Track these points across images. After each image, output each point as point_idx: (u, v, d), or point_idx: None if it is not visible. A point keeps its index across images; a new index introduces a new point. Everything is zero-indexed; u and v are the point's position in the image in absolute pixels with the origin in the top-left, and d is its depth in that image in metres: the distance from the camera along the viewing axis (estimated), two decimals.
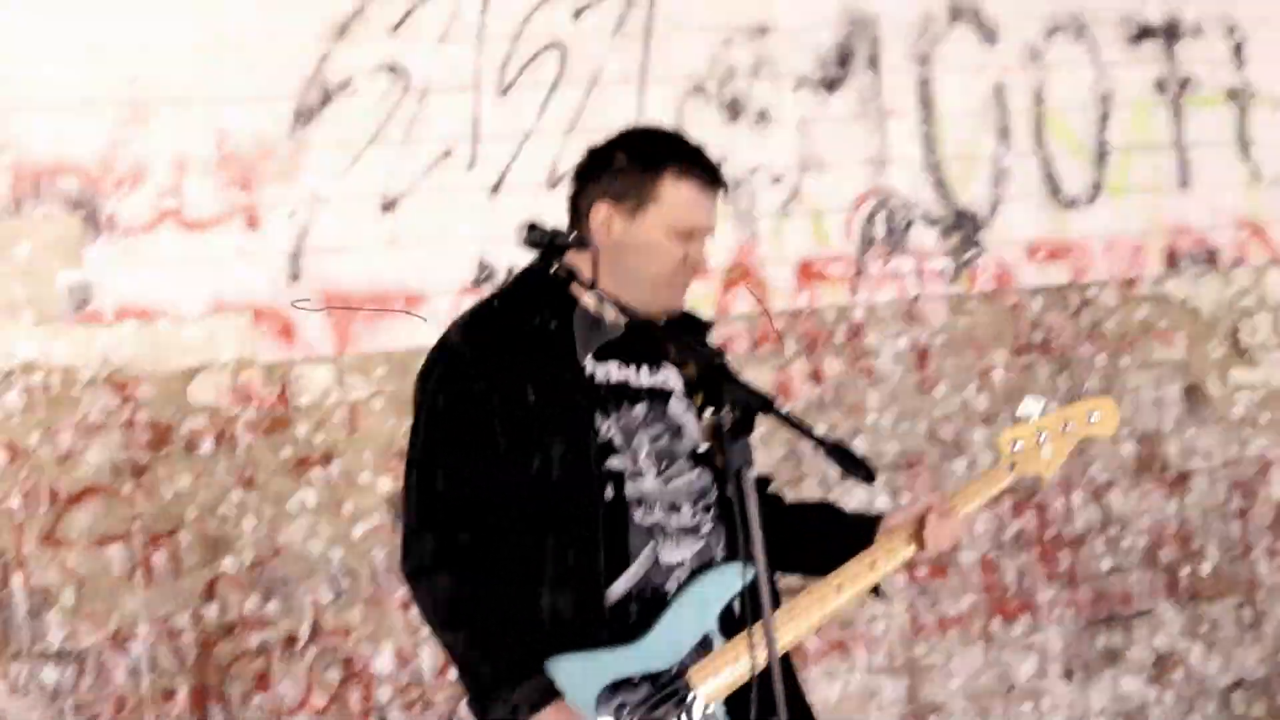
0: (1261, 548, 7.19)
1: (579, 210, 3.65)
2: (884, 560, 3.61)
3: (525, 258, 5.95)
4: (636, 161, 3.60)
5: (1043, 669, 6.72)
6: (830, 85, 6.50)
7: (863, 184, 6.52)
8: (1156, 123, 7.06)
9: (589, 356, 3.58)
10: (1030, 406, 3.69)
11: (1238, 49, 7.23)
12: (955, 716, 6.56)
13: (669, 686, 3.45)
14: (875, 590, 3.67)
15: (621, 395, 3.58)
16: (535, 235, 3.49)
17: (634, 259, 3.56)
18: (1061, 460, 3.76)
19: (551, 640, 3.46)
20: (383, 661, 5.70)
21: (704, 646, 3.50)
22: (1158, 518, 6.97)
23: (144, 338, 5.49)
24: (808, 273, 6.40)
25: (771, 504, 3.78)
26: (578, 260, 3.59)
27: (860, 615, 6.36)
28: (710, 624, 3.51)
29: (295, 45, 5.72)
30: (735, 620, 3.50)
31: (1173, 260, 7.06)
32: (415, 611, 5.57)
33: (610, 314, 3.59)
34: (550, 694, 3.40)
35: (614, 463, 3.53)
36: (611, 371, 3.60)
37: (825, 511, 3.88)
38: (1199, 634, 7.03)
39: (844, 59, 6.52)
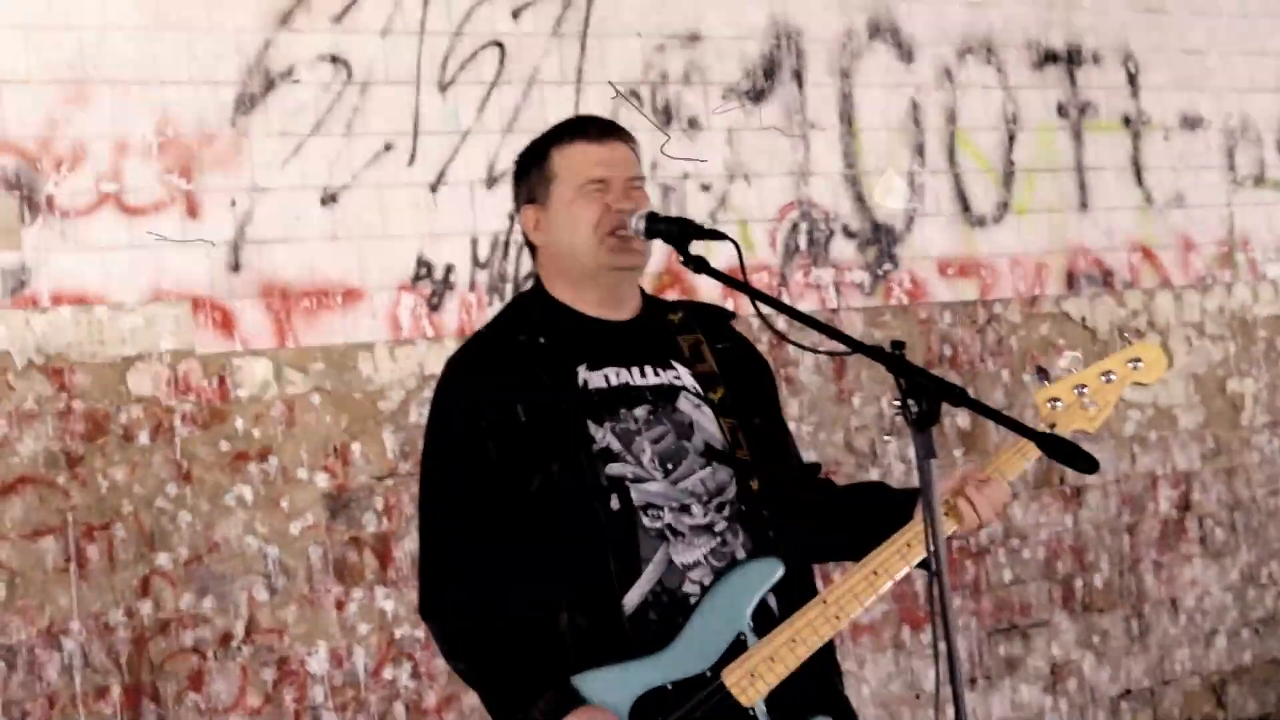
0: (1148, 561, 7.39)
1: (523, 232, 3.65)
2: (920, 538, 3.41)
3: (464, 258, 5.96)
4: (529, 159, 3.64)
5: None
6: (757, 96, 6.55)
7: (786, 195, 6.58)
8: (1058, 146, 7.25)
9: (583, 364, 3.52)
10: (1066, 362, 3.60)
11: (1132, 77, 7.46)
12: None
13: (705, 691, 3.37)
14: (927, 566, 3.53)
15: (619, 399, 3.51)
16: (660, 225, 3.45)
17: (565, 234, 3.53)
18: (1106, 414, 3.59)
19: (574, 658, 3.38)
20: (317, 661, 5.58)
21: (737, 647, 3.40)
22: (1055, 531, 7.13)
23: (81, 324, 5.32)
24: None
25: (825, 491, 3.73)
26: (542, 272, 3.62)
27: None
28: (743, 623, 3.41)
29: (238, 29, 5.60)
30: (771, 618, 3.44)
31: (1072, 280, 7.24)
32: (350, 610, 5.52)
33: (594, 308, 3.55)
34: (573, 700, 3.33)
35: (614, 469, 3.46)
36: (609, 376, 3.53)
37: (873, 492, 3.77)
38: (1091, 644, 7.20)
39: (770, 71, 6.58)
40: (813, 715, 3.46)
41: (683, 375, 3.56)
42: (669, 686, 3.36)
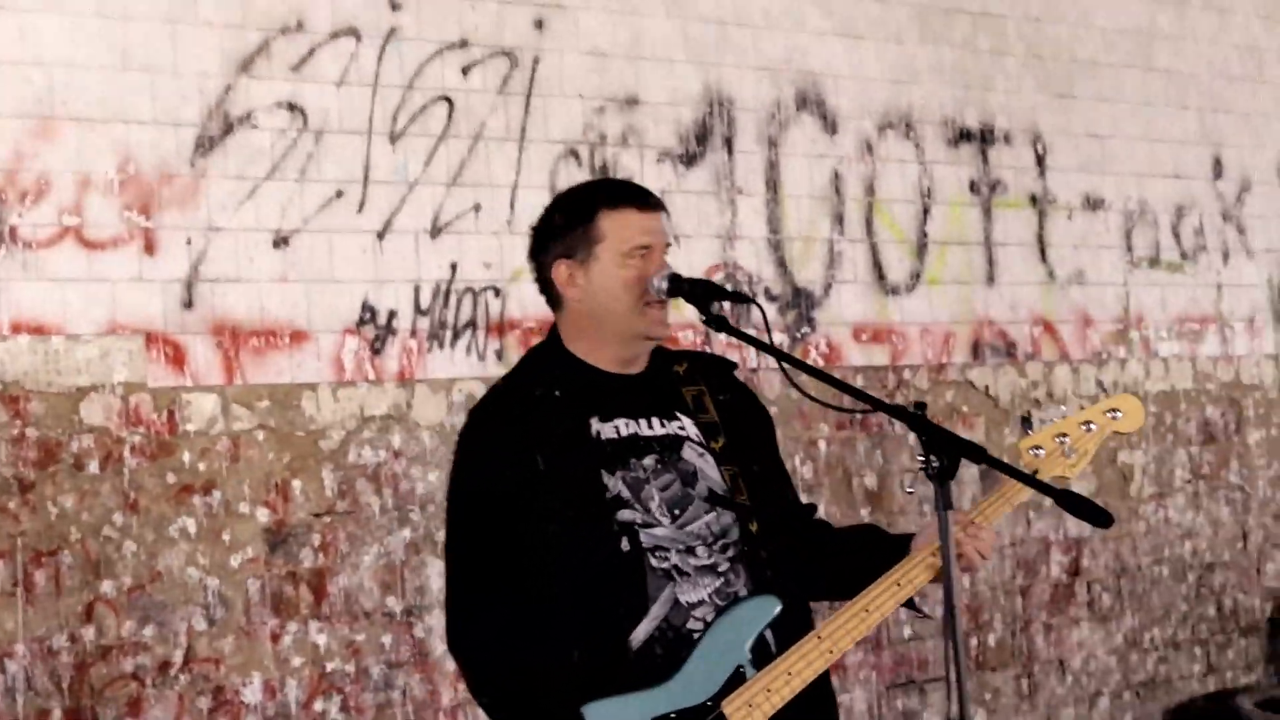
0: (1039, 623, 7.70)
1: (546, 281, 3.82)
2: (908, 578, 3.68)
3: (407, 304, 6.13)
4: (574, 215, 3.80)
5: None
6: (689, 160, 6.81)
7: (713, 257, 6.83)
8: (969, 221, 7.57)
9: (595, 416, 3.73)
10: (1049, 413, 3.79)
11: (1040, 158, 7.81)
12: None
13: (706, 719, 3.58)
14: (914, 607, 3.81)
15: (629, 450, 3.72)
16: (684, 286, 3.65)
17: (603, 296, 3.72)
18: (1086, 462, 3.79)
19: (584, 689, 3.57)
20: (252, 691, 5.72)
21: (736, 679, 3.61)
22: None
23: (38, 353, 5.44)
24: None
25: (821, 532, 3.95)
26: (563, 324, 3.81)
27: None
28: (742, 656, 3.63)
29: (201, 74, 5.77)
30: (768, 652, 3.66)
31: (977, 350, 7.55)
32: (285, 643, 5.67)
33: (610, 364, 3.77)
34: None
35: (624, 515, 3.67)
36: (619, 427, 3.75)
37: (867, 534, 3.98)
38: (984, 701, 7.49)
39: (702, 137, 6.84)
40: None
41: (687, 426, 3.79)
42: (672, 715, 3.57)
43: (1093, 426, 3.83)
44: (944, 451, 3.41)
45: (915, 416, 3.47)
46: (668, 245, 3.78)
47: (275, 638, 5.77)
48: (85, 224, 5.55)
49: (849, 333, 7.19)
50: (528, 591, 3.63)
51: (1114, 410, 3.87)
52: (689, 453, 3.77)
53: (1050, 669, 7.73)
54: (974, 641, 7.48)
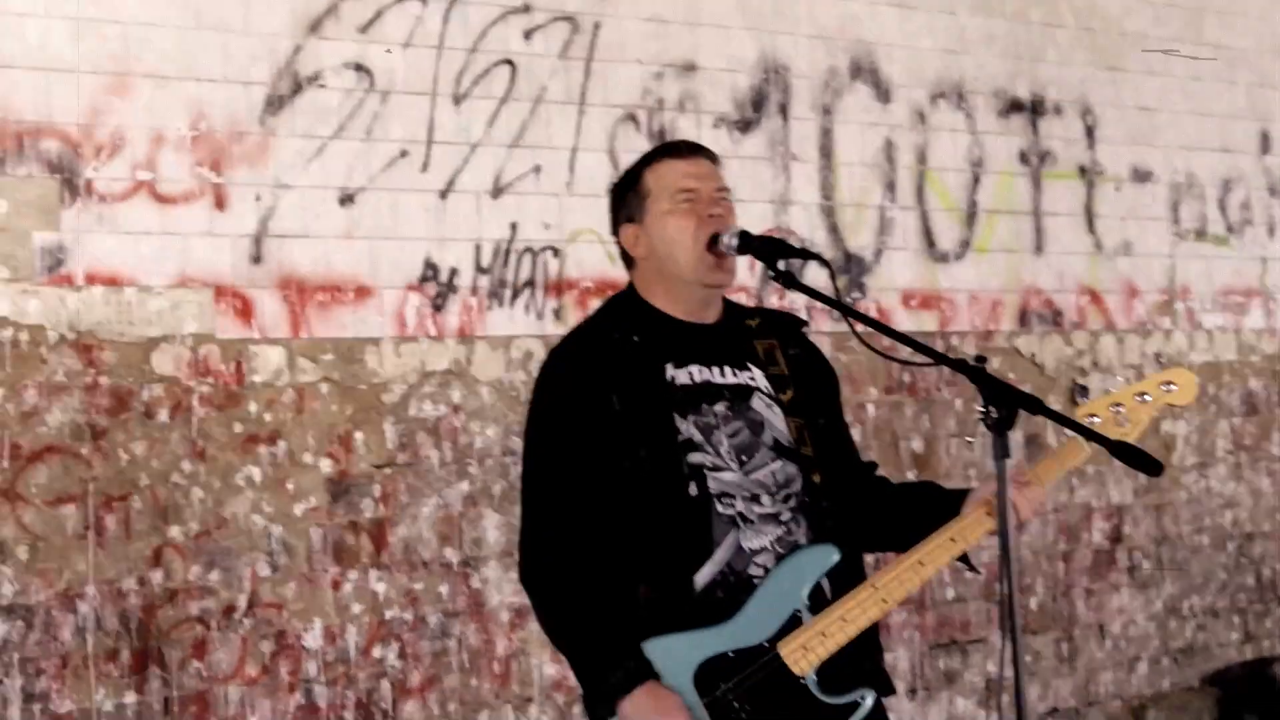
0: (1080, 588, 7.81)
1: (622, 249, 4.00)
2: (962, 534, 3.83)
3: (468, 262, 6.26)
4: (626, 183, 4.00)
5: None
6: (745, 126, 6.92)
7: (767, 221, 6.94)
8: (1018, 190, 7.67)
9: (670, 362, 3.87)
10: (1091, 380, 3.91)
11: (1090, 130, 7.90)
12: None
13: (762, 660, 3.73)
14: (967, 562, 3.97)
15: (701, 396, 3.86)
16: (753, 244, 3.78)
17: (663, 245, 3.87)
18: (1140, 430, 3.89)
19: (646, 626, 3.72)
20: (312, 637, 5.87)
21: (793, 623, 3.75)
22: (996, 554, 7.50)
23: (111, 304, 5.60)
24: None
25: (880, 487, 4.09)
26: (637, 281, 3.96)
27: None
28: (799, 602, 3.76)
29: (271, 34, 5.90)
30: (824, 599, 3.80)
31: (1024, 318, 7.66)
32: (345, 590, 5.81)
33: (684, 314, 3.90)
34: (644, 674, 3.67)
35: (695, 458, 3.80)
36: (693, 374, 3.88)
37: (924, 490, 4.12)
38: (1024, 664, 7.59)
39: (758, 103, 6.96)
40: (858, 688, 3.79)
41: (757, 377, 3.92)
42: (730, 654, 3.71)
43: (1147, 397, 3.94)
44: (1003, 402, 3.53)
45: (975, 369, 3.60)
46: (720, 189, 3.91)
47: (336, 585, 5.92)
48: (158, 179, 5.70)
49: (899, 298, 7.30)
50: (597, 528, 3.76)
51: (1168, 383, 3.98)
52: (758, 403, 3.90)
53: (1090, 633, 7.85)
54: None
